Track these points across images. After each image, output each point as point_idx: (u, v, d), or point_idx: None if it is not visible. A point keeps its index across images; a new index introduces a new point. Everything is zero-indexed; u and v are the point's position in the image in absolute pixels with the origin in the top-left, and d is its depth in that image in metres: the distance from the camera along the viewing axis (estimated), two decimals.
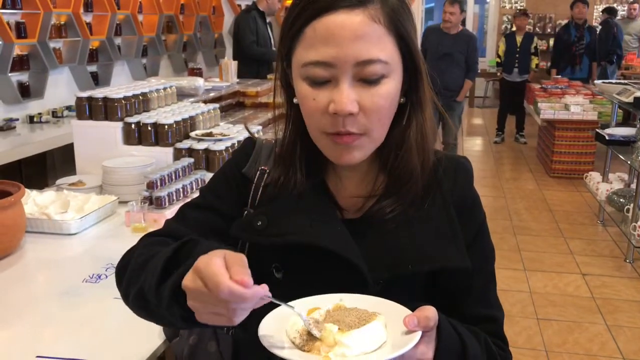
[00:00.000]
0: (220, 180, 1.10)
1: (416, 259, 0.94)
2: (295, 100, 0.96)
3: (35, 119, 4.98)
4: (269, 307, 0.83)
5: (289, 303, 0.82)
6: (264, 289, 0.74)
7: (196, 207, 1.07)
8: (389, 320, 0.80)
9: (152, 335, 1.49)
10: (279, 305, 0.82)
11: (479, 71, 11.38)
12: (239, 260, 0.76)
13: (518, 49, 8.23)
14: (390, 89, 0.90)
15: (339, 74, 0.87)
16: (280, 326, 0.81)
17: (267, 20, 5.95)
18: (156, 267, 0.88)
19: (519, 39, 8.33)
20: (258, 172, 1.04)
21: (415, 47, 0.93)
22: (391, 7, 0.89)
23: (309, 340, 0.77)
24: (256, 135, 1.13)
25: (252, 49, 5.65)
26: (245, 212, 1.03)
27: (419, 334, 0.77)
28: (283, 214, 0.98)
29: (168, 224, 1.07)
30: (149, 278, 0.88)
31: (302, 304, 0.84)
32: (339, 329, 0.79)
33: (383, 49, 0.88)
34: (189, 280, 0.77)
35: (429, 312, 0.79)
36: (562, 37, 8.25)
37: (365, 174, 1.01)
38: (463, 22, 6.32)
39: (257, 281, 0.87)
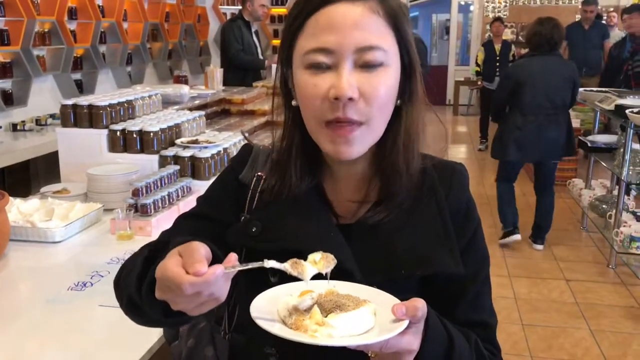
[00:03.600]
0: (216, 188, 1.11)
1: (410, 264, 0.94)
2: (294, 103, 0.97)
3: (18, 127, 4.94)
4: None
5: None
6: (220, 267, 0.75)
7: (191, 217, 1.09)
8: (379, 309, 0.81)
9: (139, 342, 1.49)
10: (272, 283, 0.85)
11: (462, 79, 11.60)
12: (190, 251, 0.77)
13: (498, 57, 8.31)
14: (389, 78, 0.92)
15: (339, 60, 0.89)
16: (272, 306, 0.83)
17: (254, 29, 5.94)
18: (136, 272, 0.90)
19: (497, 47, 8.42)
20: (254, 178, 1.05)
21: (411, 45, 0.95)
22: (389, 5, 0.92)
23: (298, 319, 0.79)
24: (254, 141, 1.14)
25: (238, 57, 5.64)
26: (242, 218, 1.03)
27: (406, 322, 0.77)
28: (277, 220, 0.99)
29: (162, 234, 1.08)
30: (132, 282, 0.90)
31: (295, 288, 0.85)
32: (328, 311, 0.80)
33: (382, 39, 0.91)
34: (158, 292, 0.80)
35: (418, 303, 0.79)
36: (613, 53, 7.04)
37: (361, 178, 1.02)
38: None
39: (253, 285, 0.87)
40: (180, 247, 0.79)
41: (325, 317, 0.79)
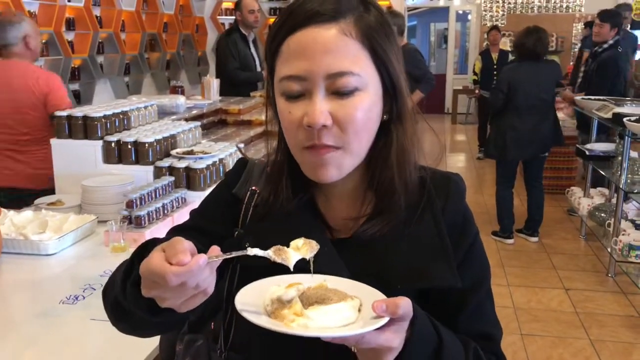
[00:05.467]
0: (210, 202, 1.11)
1: (406, 278, 0.93)
2: None
3: None
4: None
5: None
6: (204, 256, 0.75)
7: (183, 230, 1.08)
8: (367, 306, 0.80)
9: (131, 356, 1.47)
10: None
11: (460, 88, 11.61)
12: (172, 245, 0.77)
13: (495, 66, 8.31)
14: (364, 102, 0.89)
15: (311, 87, 0.88)
16: (259, 296, 0.83)
17: (251, 38, 5.78)
18: (121, 272, 0.90)
19: (494, 55, 8.43)
20: (248, 193, 1.04)
21: (391, 64, 0.93)
22: (366, 24, 0.90)
23: (278, 308, 0.79)
24: (251, 151, 1.13)
25: (236, 75, 5.45)
26: (236, 232, 1.02)
27: (384, 319, 0.77)
28: (270, 235, 0.97)
29: (148, 242, 1.07)
30: (118, 284, 0.90)
31: (286, 281, 0.85)
32: (311, 303, 0.80)
33: (355, 62, 0.88)
34: (144, 289, 0.79)
35: (400, 301, 0.78)
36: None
37: (353, 193, 1.01)
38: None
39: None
40: (164, 243, 0.80)
41: (306, 309, 0.79)
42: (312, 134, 0.88)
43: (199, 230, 1.05)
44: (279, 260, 0.83)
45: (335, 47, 0.87)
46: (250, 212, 1.03)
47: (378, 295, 0.83)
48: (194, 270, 0.74)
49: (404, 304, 0.78)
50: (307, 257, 0.85)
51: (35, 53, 3.35)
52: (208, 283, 0.78)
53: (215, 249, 0.79)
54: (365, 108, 0.90)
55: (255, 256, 0.96)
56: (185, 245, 0.77)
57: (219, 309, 1.06)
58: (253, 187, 1.05)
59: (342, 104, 0.88)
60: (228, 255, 0.79)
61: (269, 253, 0.83)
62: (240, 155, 1.15)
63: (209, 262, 0.76)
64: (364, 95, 0.89)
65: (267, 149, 1.05)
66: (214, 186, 2.84)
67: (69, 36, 5.90)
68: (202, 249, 0.81)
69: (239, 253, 0.81)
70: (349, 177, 0.96)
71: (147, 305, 0.83)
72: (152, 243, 0.91)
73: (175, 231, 1.08)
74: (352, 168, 0.94)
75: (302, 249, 0.85)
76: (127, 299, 0.87)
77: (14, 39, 3.17)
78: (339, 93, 0.88)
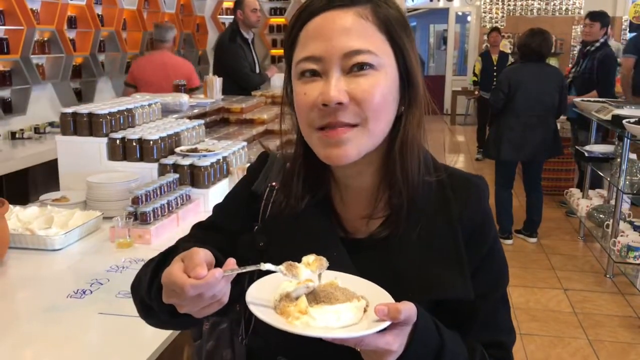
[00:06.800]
0: (230, 198, 1.13)
1: (417, 288, 0.92)
2: None
3: (17, 135, 4.95)
4: None
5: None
6: (220, 270, 0.79)
7: (204, 227, 1.11)
8: (373, 307, 0.81)
9: (137, 351, 1.49)
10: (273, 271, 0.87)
11: (459, 89, 11.64)
12: (190, 257, 0.81)
13: (495, 67, 8.34)
14: (381, 81, 0.90)
15: (327, 67, 0.89)
16: (271, 290, 0.86)
17: (251, 38, 5.69)
18: (148, 274, 0.95)
19: (494, 57, 8.46)
20: (267, 189, 1.05)
21: (407, 52, 0.94)
22: (383, 12, 0.92)
23: (284, 304, 0.82)
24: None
25: (252, 79, 5.31)
26: (256, 227, 1.03)
27: (385, 323, 0.78)
28: (283, 235, 0.98)
29: (178, 242, 1.10)
30: (144, 286, 0.95)
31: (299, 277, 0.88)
32: (318, 301, 0.82)
33: (371, 42, 0.90)
34: (164, 297, 0.84)
35: (402, 306, 0.78)
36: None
37: (369, 192, 0.99)
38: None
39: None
40: (183, 253, 0.83)
41: (313, 307, 0.81)
42: (327, 114, 0.88)
43: (218, 228, 1.08)
44: (289, 276, 0.85)
45: (352, 28, 0.89)
46: (269, 208, 1.03)
47: (385, 296, 0.84)
48: (210, 283, 0.78)
49: (406, 309, 0.79)
50: (317, 273, 0.86)
51: (175, 47, 4.82)
52: (223, 293, 0.82)
53: (231, 262, 0.82)
54: (382, 88, 0.90)
55: (264, 255, 0.97)
56: (201, 257, 0.80)
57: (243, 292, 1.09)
58: (272, 183, 1.05)
59: (358, 82, 0.88)
60: (242, 270, 0.82)
61: (281, 268, 0.85)
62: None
63: (225, 275, 0.80)
64: (381, 75, 0.90)
65: (282, 144, 1.05)
66: (218, 184, 2.86)
67: (71, 34, 5.91)
68: (220, 257, 0.84)
69: (253, 268, 0.84)
70: (364, 172, 0.96)
71: (168, 310, 0.88)
72: (176, 247, 0.96)
73: (197, 227, 1.13)
74: (370, 149, 0.92)
75: (312, 264, 0.87)
76: (152, 301, 0.92)
77: (169, 38, 5.18)
78: (354, 70, 0.89)
